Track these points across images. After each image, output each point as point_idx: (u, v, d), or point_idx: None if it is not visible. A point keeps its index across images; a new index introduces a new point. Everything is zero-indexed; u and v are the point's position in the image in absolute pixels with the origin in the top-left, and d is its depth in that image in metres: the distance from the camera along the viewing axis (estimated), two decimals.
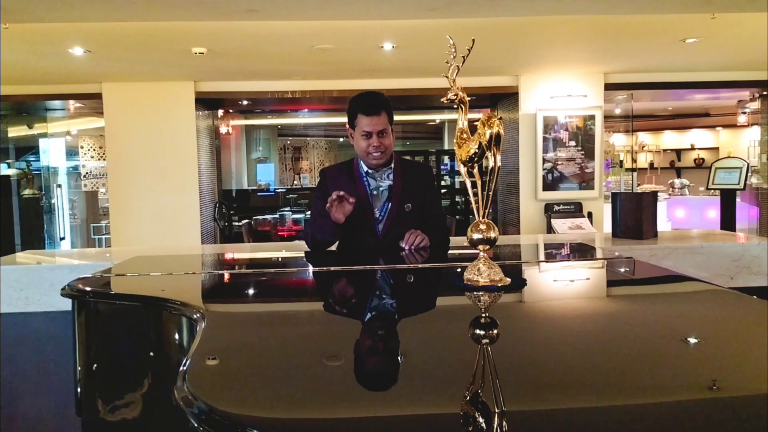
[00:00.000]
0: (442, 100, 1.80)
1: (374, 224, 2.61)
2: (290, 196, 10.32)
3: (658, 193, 7.51)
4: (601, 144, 6.94)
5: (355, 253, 2.65)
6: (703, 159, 12.52)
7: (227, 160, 10.24)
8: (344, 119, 2.66)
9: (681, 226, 9.07)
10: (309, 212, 8.32)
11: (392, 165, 2.64)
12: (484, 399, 0.97)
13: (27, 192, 8.30)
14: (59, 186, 9.25)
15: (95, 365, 1.95)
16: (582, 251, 2.77)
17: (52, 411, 2.90)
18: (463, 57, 1.74)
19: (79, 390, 1.92)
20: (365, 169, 2.63)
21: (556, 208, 6.84)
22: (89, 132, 10.58)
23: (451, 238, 2.98)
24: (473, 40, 1.71)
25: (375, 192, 2.63)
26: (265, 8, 4.11)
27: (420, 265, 2.30)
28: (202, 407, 0.94)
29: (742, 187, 6.17)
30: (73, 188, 10.18)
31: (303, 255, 2.78)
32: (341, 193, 2.40)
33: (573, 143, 6.89)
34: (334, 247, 2.84)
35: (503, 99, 7.50)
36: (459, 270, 1.84)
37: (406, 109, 10.00)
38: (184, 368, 1.10)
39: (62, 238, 8.88)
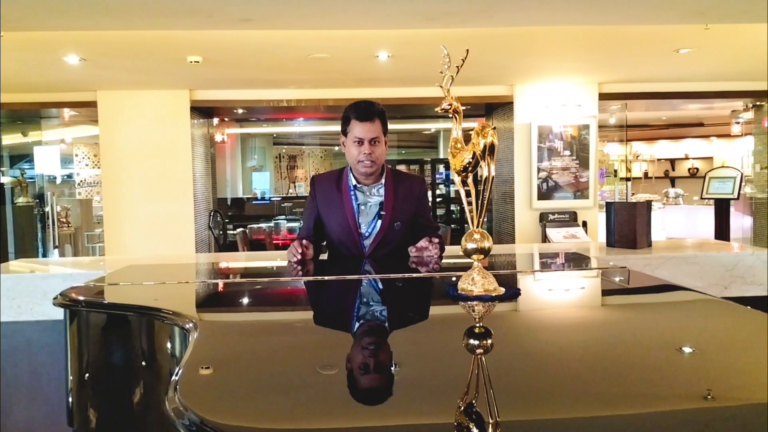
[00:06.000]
0: (436, 109, 1.80)
1: (359, 240, 2.55)
2: (285, 204, 10.31)
3: (653, 203, 7.53)
4: (595, 153, 6.97)
5: (349, 263, 2.63)
6: (697, 168, 12.58)
7: (222, 169, 10.24)
8: (339, 128, 2.64)
9: (675, 235, 9.09)
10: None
11: (383, 180, 2.58)
12: (478, 409, 0.97)
13: (21, 200, 8.26)
14: (53, 194, 9.21)
15: (87, 375, 1.94)
16: (576, 261, 2.77)
17: (43, 421, 2.87)
18: (458, 67, 1.75)
19: (70, 400, 1.91)
20: (354, 182, 2.57)
21: (551, 217, 6.85)
22: (84, 140, 10.56)
23: (445, 247, 2.96)
24: (467, 50, 1.71)
25: (363, 207, 2.56)
26: (260, 18, 4.12)
27: (414, 275, 2.29)
28: (193, 418, 0.93)
29: (736, 197, 6.19)
30: (67, 196, 10.14)
31: None
32: (298, 254, 2.48)
33: (568, 153, 6.91)
34: (325, 257, 2.84)
35: (498, 108, 7.52)
36: (453, 279, 1.84)
37: (401, 118, 10.04)
38: (176, 378, 1.09)
39: (56, 247, 8.83)
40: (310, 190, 2.72)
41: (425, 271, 2.34)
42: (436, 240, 2.49)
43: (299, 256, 2.47)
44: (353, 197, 2.56)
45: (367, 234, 2.56)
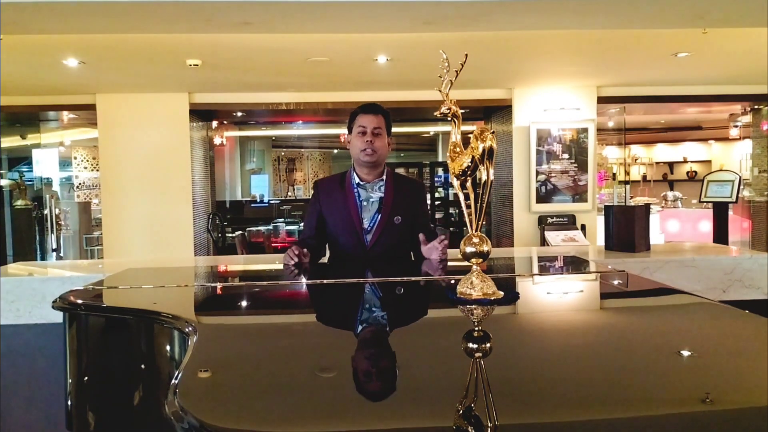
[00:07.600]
0: (435, 114, 1.81)
1: (362, 235, 2.62)
2: (284, 207, 10.29)
3: (651, 206, 7.54)
4: (594, 157, 6.98)
5: (348, 266, 2.64)
6: (695, 172, 12.59)
7: (221, 172, 10.23)
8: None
9: (674, 238, 9.09)
10: (303, 224, 8.29)
11: (384, 178, 2.67)
12: (476, 413, 0.97)
13: (19, 203, 8.25)
14: (52, 197, 9.20)
15: (86, 378, 1.94)
16: (575, 264, 2.77)
17: (42, 424, 2.87)
18: (456, 71, 1.75)
19: (69, 403, 1.91)
20: (357, 180, 2.66)
21: (550, 220, 6.86)
22: (83, 143, 10.55)
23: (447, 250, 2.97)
24: (466, 54, 1.72)
25: (365, 203, 2.65)
26: (259, 21, 4.12)
27: (413, 278, 2.29)
28: (192, 422, 0.93)
29: (734, 200, 6.19)
30: (65, 199, 10.13)
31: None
32: (294, 258, 2.49)
33: (566, 156, 6.92)
34: (325, 259, 2.85)
35: (497, 111, 7.53)
36: (452, 283, 1.84)
37: (400, 122, 10.04)
38: (175, 382, 1.09)
39: (54, 250, 8.82)
40: (313, 193, 2.80)
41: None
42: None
43: (296, 259, 2.50)
44: (357, 194, 2.65)
45: (369, 228, 2.63)
